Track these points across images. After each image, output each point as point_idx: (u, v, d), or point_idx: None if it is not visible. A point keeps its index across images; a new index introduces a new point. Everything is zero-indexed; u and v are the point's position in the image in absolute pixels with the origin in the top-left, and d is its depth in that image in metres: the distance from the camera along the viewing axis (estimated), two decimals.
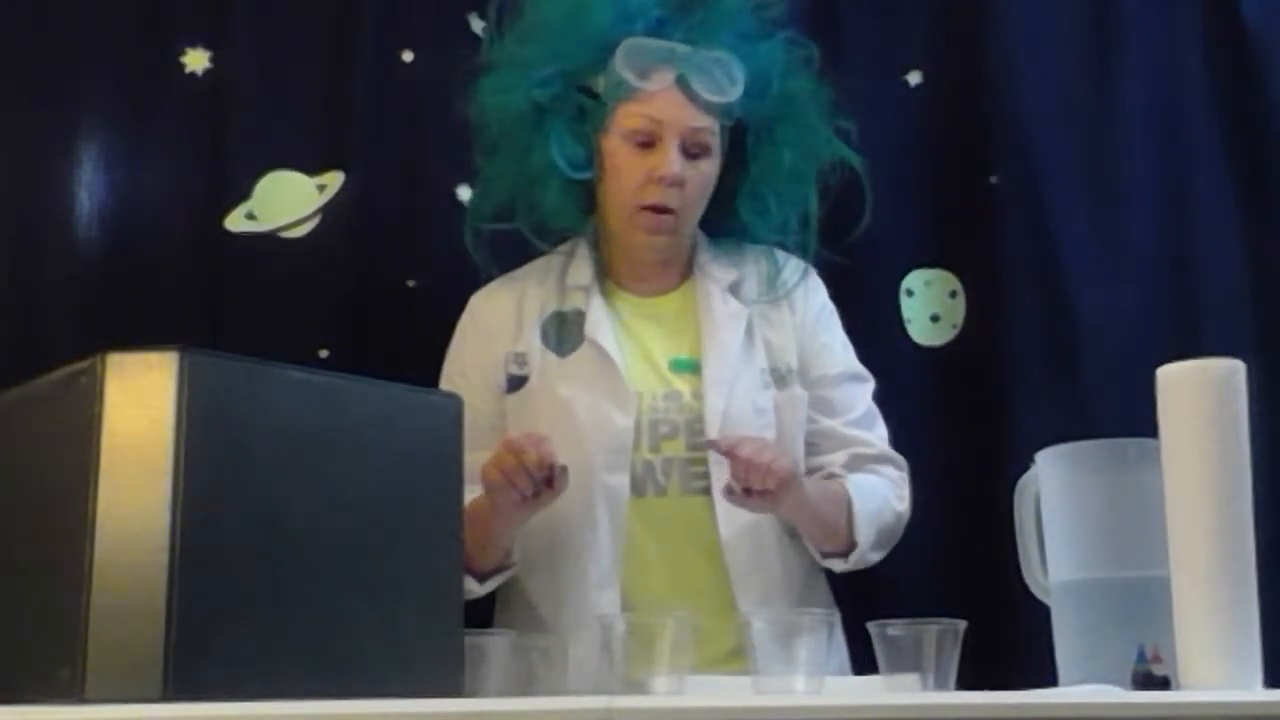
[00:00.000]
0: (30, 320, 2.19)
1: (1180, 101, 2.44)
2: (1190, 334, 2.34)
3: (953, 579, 2.27)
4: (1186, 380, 1.40)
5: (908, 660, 1.47)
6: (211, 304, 2.24)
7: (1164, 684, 1.41)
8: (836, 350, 2.06)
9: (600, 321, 1.98)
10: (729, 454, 1.79)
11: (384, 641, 1.33)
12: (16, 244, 2.22)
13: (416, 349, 2.21)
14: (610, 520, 1.90)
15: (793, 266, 2.06)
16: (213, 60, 2.28)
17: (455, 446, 1.43)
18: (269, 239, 2.26)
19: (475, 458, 1.91)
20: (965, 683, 1.49)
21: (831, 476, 1.97)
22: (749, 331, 1.99)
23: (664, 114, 1.92)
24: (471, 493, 1.73)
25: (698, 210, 1.99)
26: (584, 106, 1.97)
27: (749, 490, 1.79)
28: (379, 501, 1.35)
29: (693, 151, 1.94)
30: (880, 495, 1.97)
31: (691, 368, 1.97)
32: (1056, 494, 1.63)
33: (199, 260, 2.24)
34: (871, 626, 1.50)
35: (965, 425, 2.35)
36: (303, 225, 2.27)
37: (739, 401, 1.94)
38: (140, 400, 1.24)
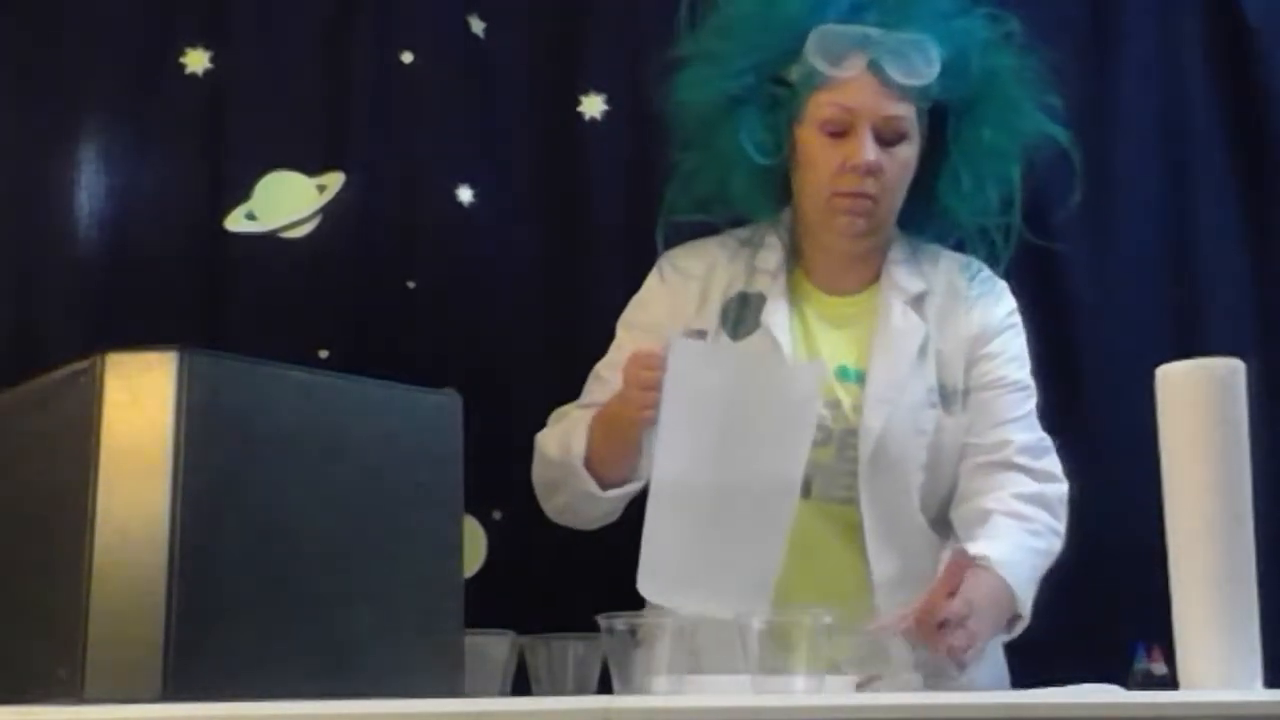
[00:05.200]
0: (30, 320, 2.19)
1: (1180, 100, 2.44)
2: (1190, 334, 2.34)
3: None
4: (1186, 380, 1.40)
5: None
6: (211, 304, 2.24)
7: (1164, 684, 1.41)
8: (1000, 360, 1.98)
9: (779, 311, 1.95)
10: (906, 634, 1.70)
11: (384, 641, 1.33)
12: (16, 244, 2.22)
13: (416, 349, 2.21)
14: None
15: (981, 279, 2.01)
16: (213, 60, 2.28)
17: (455, 446, 1.43)
18: (269, 239, 2.25)
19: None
20: None
21: (966, 556, 1.75)
22: (923, 348, 1.95)
23: (856, 102, 1.89)
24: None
25: (897, 198, 1.95)
26: (777, 96, 1.94)
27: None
28: (379, 501, 1.35)
29: (888, 139, 1.90)
30: (1029, 552, 1.83)
31: (856, 379, 1.93)
32: None
33: (199, 260, 2.24)
34: None
35: None
36: (303, 226, 2.26)
37: (900, 420, 1.90)
38: (140, 400, 1.24)
